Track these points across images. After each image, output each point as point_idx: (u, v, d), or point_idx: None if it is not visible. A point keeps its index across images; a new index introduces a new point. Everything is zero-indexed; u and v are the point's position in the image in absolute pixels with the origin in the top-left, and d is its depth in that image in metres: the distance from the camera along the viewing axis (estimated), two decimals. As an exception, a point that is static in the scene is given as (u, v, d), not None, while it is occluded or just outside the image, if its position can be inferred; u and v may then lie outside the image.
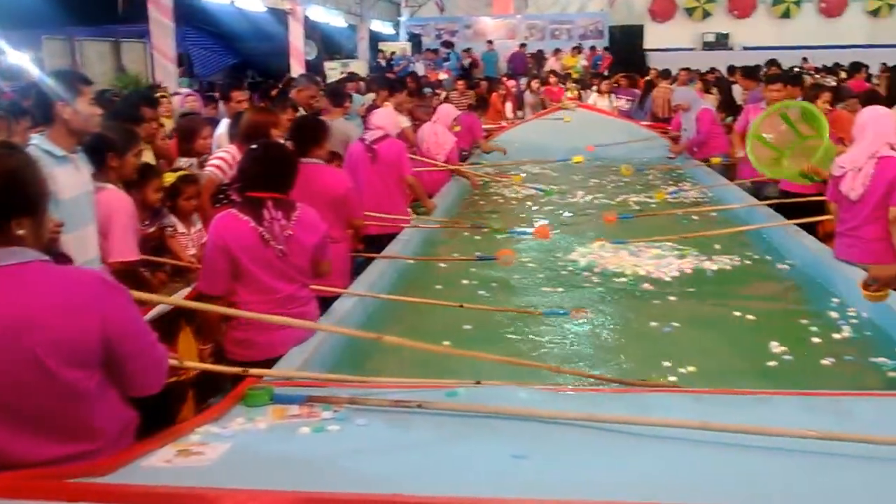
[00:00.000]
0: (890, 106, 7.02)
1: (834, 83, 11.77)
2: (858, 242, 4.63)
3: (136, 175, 4.21)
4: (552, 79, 15.06)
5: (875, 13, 23.35)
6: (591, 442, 2.32)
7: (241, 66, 18.26)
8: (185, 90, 10.11)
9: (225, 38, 17.84)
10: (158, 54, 11.79)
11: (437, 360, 3.67)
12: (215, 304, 3.48)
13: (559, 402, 2.67)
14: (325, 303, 4.07)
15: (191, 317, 3.85)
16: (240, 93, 6.40)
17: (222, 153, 4.97)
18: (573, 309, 4.38)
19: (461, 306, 4.31)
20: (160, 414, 2.88)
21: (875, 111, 4.88)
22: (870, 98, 7.60)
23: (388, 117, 6.51)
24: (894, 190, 4.50)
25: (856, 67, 13.36)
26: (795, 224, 5.78)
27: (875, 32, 22.48)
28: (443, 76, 16.50)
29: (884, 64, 13.76)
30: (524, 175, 9.07)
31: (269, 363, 3.24)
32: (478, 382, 2.94)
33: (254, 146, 3.72)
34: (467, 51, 21.62)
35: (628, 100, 13.58)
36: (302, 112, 6.55)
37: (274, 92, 8.24)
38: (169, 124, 6.48)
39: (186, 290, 3.88)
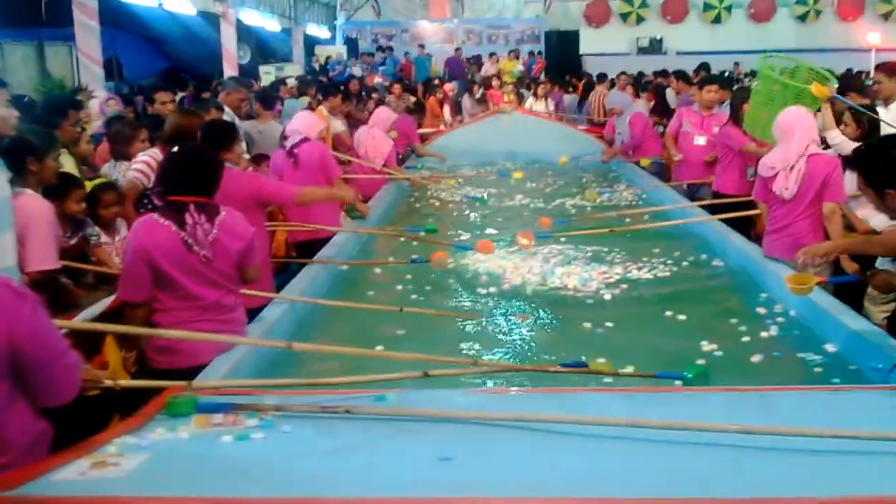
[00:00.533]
0: None
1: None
2: (790, 240, 4.69)
3: (57, 184, 4.07)
4: (495, 82, 15.12)
5: (803, 18, 24.07)
6: (519, 442, 2.31)
7: (173, 69, 17.91)
8: (103, 94, 9.85)
9: (155, 41, 17.48)
10: (84, 57, 11.48)
11: (370, 364, 3.57)
12: (137, 312, 3.40)
13: (489, 404, 2.66)
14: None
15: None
16: (164, 94, 6.25)
17: (145, 157, 4.83)
18: (514, 314, 4.39)
19: (401, 310, 4.27)
20: (86, 426, 2.77)
21: (798, 111, 5.00)
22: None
23: (306, 120, 6.31)
24: (827, 186, 4.65)
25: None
26: (721, 219, 5.93)
27: (803, 37, 23.11)
28: (378, 80, 16.44)
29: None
30: (460, 180, 9.05)
31: (193, 370, 3.14)
32: (426, 374, 2.97)
33: (175, 149, 3.63)
34: (407, 55, 21.63)
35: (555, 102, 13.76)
36: (229, 115, 6.43)
37: (205, 95, 8.07)
38: (90, 128, 6.29)
39: (109, 300, 3.75)
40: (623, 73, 14.02)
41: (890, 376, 3.09)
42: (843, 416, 2.51)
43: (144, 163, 4.77)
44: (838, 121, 5.47)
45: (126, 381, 3.00)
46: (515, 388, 3.30)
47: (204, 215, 3.43)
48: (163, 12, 14.64)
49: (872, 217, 4.83)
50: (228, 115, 6.53)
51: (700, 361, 3.61)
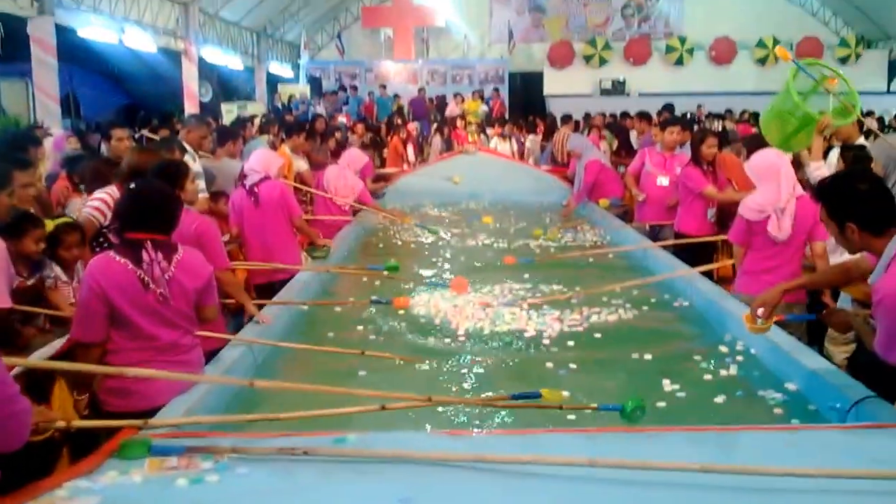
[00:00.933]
0: None
1: (720, 128, 12.29)
2: (781, 280, 4.52)
3: (14, 223, 3.98)
4: (460, 122, 15.25)
5: (762, 62, 24.77)
6: (480, 483, 2.30)
7: (132, 107, 17.79)
8: (58, 132, 9.72)
9: (114, 78, 17.36)
10: (41, 94, 11.32)
11: (331, 402, 3.51)
12: (91, 353, 3.31)
13: (450, 445, 2.64)
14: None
15: (65, 367, 3.63)
16: (120, 131, 6.17)
17: (101, 194, 4.74)
18: (477, 355, 4.34)
19: (362, 353, 4.19)
20: (36, 469, 2.69)
21: (777, 153, 5.04)
22: (754, 142, 7.97)
23: (265, 158, 6.28)
24: (817, 225, 4.60)
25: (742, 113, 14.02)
26: (689, 267, 5.89)
27: (763, 80, 23.49)
28: (341, 119, 16.47)
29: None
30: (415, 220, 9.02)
31: (147, 414, 3.05)
32: (383, 407, 2.97)
33: (133, 185, 3.59)
34: (370, 95, 21.74)
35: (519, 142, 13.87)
36: (190, 153, 6.37)
37: (163, 132, 7.99)
38: (43, 167, 6.19)
39: (61, 341, 3.65)
40: (601, 114, 14.16)
41: (848, 416, 3.11)
42: (801, 454, 2.54)
43: (101, 200, 4.69)
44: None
45: (80, 423, 2.92)
46: (476, 430, 3.26)
47: (161, 253, 3.37)
48: (123, 49, 14.51)
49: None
50: (190, 153, 6.44)
51: (661, 404, 3.62)
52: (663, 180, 7.51)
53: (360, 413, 3.07)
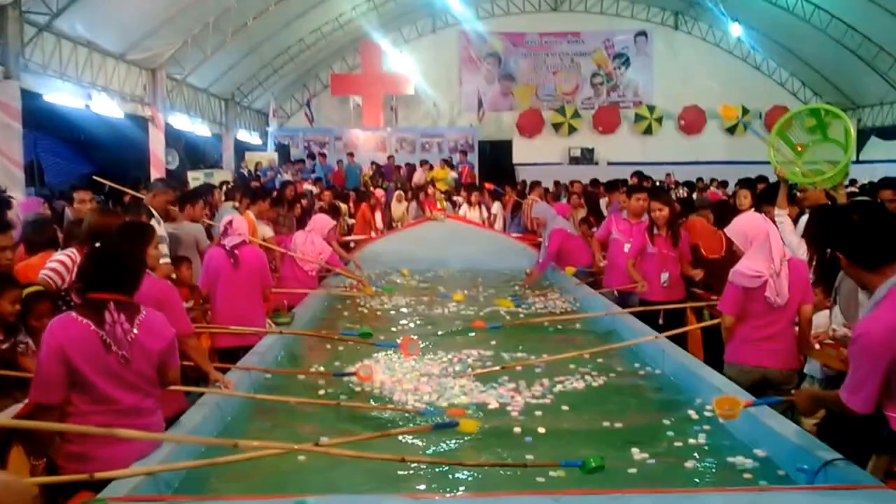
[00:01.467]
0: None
1: (685, 195, 12.44)
2: (782, 346, 4.63)
3: None
4: (430, 190, 15.30)
5: (731, 131, 25.20)
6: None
7: (97, 174, 17.56)
8: (22, 199, 9.55)
9: (80, 144, 17.20)
10: (5, 160, 11.12)
11: (292, 474, 3.46)
12: (49, 417, 3.21)
13: None
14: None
15: (22, 432, 3.47)
16: (83, 193, 6.09)
17: (61, 256, 4.67)
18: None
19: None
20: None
21: (758, 216, 4.97)
22: (721, 208, 8.10)
23: (245, 224, 6.45)
24: (808, 287, 4.68)
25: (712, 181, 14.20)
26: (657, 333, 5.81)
27: (732, 149, 24.10)
28: (308, 187, 16.46)
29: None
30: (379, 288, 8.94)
31: (107, 480, 2.96)
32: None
33: (96, 245, 3.54)
34: (339, 163, 21.77)
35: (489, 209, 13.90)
36: (156, 218, 6.28)
37: (126, 197, 7.85)
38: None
39: (18, 406, 3.59)
40: (579, 182, 14.20)
41: (816, 479, 3.10)
42: None
43: (59, 262, 4.60)
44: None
45: (37, 479, 2.88)
46: (440, 494, 3.20)
47: (124, 314, 3.33)
48: (89, 114, 14.41)
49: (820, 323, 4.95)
50: (156, 217, 6.36)
51: (631, 470, 3.58)
52: (629, 247, 7.42)
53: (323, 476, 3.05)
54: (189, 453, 3.49)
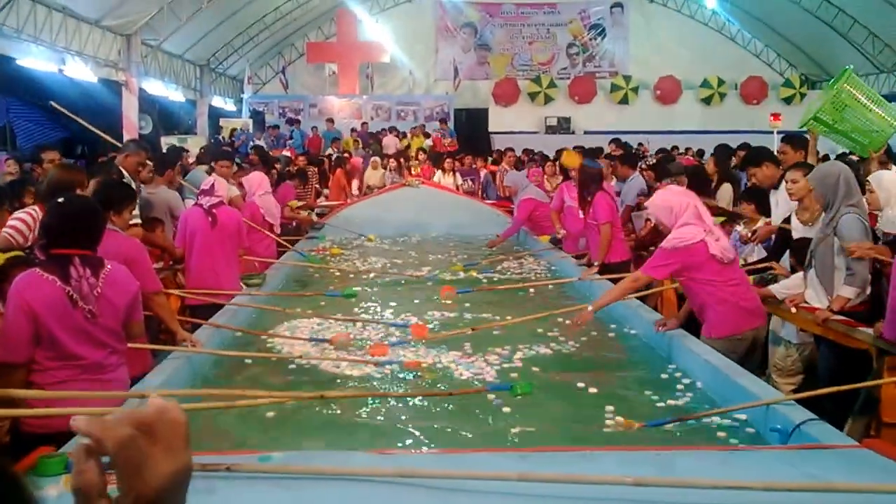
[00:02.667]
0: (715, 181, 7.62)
1: (654, 161, 12.53)
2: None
3: None
4: (421, 156, 15.29)
5: (707, 101, 25.20)
6: (406, 499, 2.25)
7: (70, 139, 17.41)
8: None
9: (51, 109, 16.99)
10: (-24, 126, 11.03)
11: (255, 432, 3.48)
12: (15, 377, 3.19)
13: (377, 463, 2.61)
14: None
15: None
16: (51, 153, 6.06)
17: (22, 214, 4.60)
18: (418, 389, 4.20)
19: (321, 396, 3.72)
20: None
21: (681, 190, 5.17)
22: (696, 172, 8.23)
23: (225, 185, 6.46)
24: None
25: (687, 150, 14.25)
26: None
27: (707, 119, 24.15)
28: (286, 153, 16.39)
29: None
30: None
31: (68, 435, 2.81)
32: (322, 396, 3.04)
33: (59, 200, 3.47)
34: (314, 129, 21.63)
35: (472, 180, 13.92)
36: (126, 178, 6.26)
37: (102, 160, 7.83)
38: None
39: None
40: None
41: (790, 440, 3.10)
42: (736, 472, 2.53)
43: (20, 220, 4.53)
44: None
45: None
46: (407, 450, 3.20)
47: (89, 269, 3.29)
48: (63, 78, 14.17)
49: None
50: (127, 179, 6.33)
51: (605, 429, 3.54)
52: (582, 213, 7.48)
53: (290, 432, 3.03)
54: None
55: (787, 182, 5.29)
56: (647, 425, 3.50)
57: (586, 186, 7.11)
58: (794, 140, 6.50)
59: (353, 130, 21.38)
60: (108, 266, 3.39)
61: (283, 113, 23.62)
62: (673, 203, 4.68)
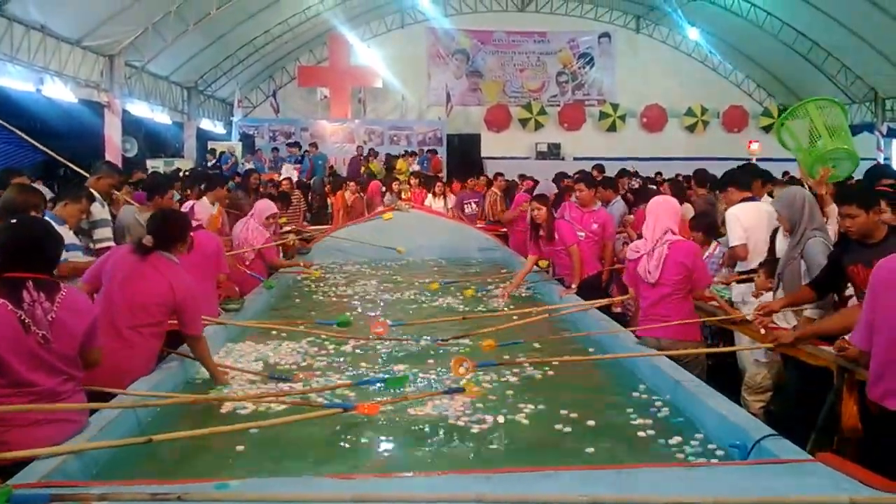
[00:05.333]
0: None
1: (637, 185, 12.60)
2: (664, 319, 4.96)
3: None
4: (413, 180, 15.19)
5: (691, 129, 26.04)
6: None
7: (52, 162, 17.10)
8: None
9: (30, 131, 16.72)
10: (-50, 147, 10.76)
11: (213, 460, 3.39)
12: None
13: (333, 487, 2.59)
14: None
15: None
16: (20, 177, 5.87)
17: None
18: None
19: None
20: None
21: (656, 200, 5.34)
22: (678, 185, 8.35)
23: (205, 211, 6.56)
24: (696, 273, 4.98)
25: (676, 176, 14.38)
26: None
27: (691, 146, 24.79)
28: (291, 175, 16.28)
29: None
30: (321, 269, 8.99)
31: (20, 465, 2.85)
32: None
33: (11, 221, 3.40)
34: (311, 147, 21.41)
35: (475, 202, 13.70)
36: (99, 201, 6.16)
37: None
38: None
39: None
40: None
41: (750, 455, 3.14)
42: (695, 488, 2.58)
43: None
44: None
45: None
46: (360, 473, 3.15)
47: (43, 293, 3.19)
48: (40, 98, 13.89)
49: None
50: (98, 200, 6.21)
51: (566, 448, 3.58)
52: (579, 234, 7.64)
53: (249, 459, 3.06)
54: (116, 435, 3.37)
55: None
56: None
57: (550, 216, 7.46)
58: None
59: (371, 152, 21.48)
60: (64, 290, 3.28)
61: (274, 136, 23.53)
62: (647, 211, 5.28)
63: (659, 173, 18.32)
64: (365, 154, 21.67)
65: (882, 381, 3.13)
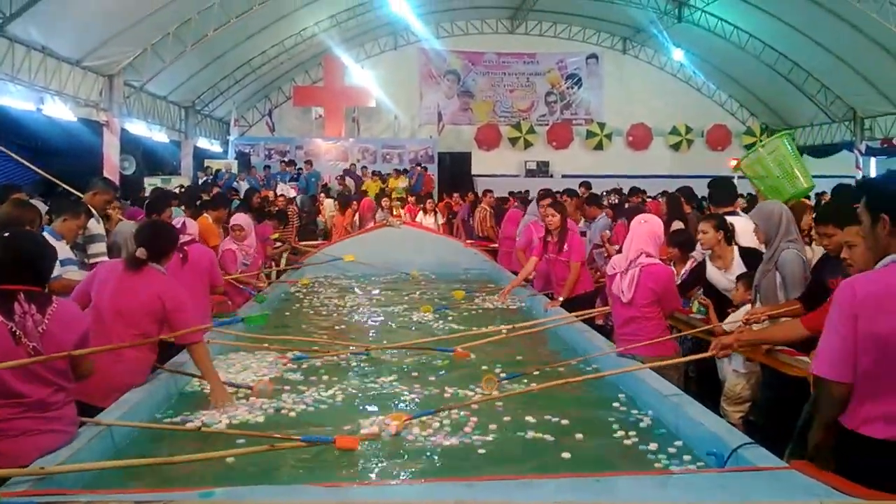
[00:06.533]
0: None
1: (615, 201, 12.93)
2: (634, 338, 5.08)
3: None
4: (411, 198, 15.52)
5: (676, 147, 26.67)
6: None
7: (50, 181, 17.25)
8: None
9: (29, 149, 16.95)
10: (-49, 166, 10.98)
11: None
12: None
13: (319, 495, 2.62)
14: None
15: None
16: (19, 193, 6.06)
17: None
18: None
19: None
20: None
21: (637, 220, 5.41)
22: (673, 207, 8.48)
23: (195, 226, 6.63)
24: (665, 297, 5.13)
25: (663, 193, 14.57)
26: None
27: (676, 164, 25.35)
28: (289, 193, 16.59)
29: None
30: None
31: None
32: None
33: (5, 235, 3.41)
34: (305, 164, 21.64)
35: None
36: (94, 216, 6.30)
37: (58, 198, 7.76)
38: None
39: None
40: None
41: (727, 463, 3.19)
42: (672, 495, 2.65)
43: None
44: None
45: None
46: (345, 481, 3.20)
47: (34, 305, 3.23)
48: (41, 117, 14.03)
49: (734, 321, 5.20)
50: (95, 217, 6.34)
51: (544, 458, 3.61)
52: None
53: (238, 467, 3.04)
54: (96, 452, 3.39)
55: (699, 233, 5.83)
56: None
57: (562, 229, 7.41)
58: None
59: (375, 173, 21.71)
60: (56, 303, 3.33)
61: (270, 154, 23.80)
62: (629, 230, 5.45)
63: (644, 191, 18.50)
64: (359, 172, 21.99)
65: (862, 408, 2.69)
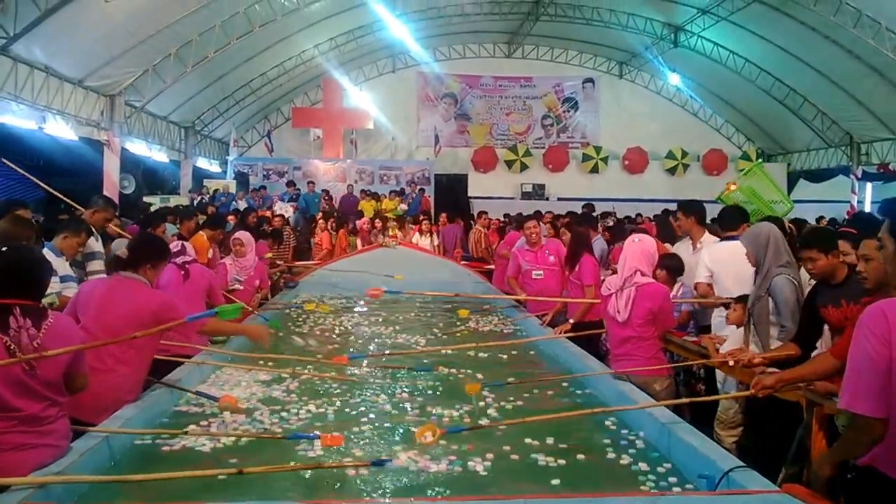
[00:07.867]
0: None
1: (612, 223, 12.76)
2: (629, 358, 5.08)
3: None
4: (377, 223, 15.60)
5: (672, 171, 26.49)
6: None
7: (51, 200, 17.38)
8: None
9: (32, 167, 17.11)
10: (-53, 187, 11.06)
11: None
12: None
13: None
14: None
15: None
16: (23, 210, 6.18)
17: None
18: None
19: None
20: None
21: (630, 239, 5.41)
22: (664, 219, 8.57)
23: (193, 248, 6.78)
24: (660, 316, 5.11)
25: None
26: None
27: (672, 188, 25.08)
28: (285, 212, 16.70)
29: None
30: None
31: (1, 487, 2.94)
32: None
33: (1, 249, 3.40)
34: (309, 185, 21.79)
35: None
36: (95, 234, 6.41)
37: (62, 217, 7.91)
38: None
39: None
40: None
41: (719, 486, 3.17)
42: None
43: None
44: None
45: None
46: (335, 499, 3.23)
47: (29, 319, 3.25)
48: (42, 136, 14.11)
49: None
50: (94, 234, 6.43)
51: (538, 477, 3.62)
52: (538, 273, 7.87)
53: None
54: (91, 466, 3.40)
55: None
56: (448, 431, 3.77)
57: (575, 247, 7.49)
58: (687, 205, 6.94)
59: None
60: (51, 317, 3.35)
61: (268, 175, 23.94)
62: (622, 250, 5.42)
63: (639, 214, 18.75)
64: (357, 193, 22.13)
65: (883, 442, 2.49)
